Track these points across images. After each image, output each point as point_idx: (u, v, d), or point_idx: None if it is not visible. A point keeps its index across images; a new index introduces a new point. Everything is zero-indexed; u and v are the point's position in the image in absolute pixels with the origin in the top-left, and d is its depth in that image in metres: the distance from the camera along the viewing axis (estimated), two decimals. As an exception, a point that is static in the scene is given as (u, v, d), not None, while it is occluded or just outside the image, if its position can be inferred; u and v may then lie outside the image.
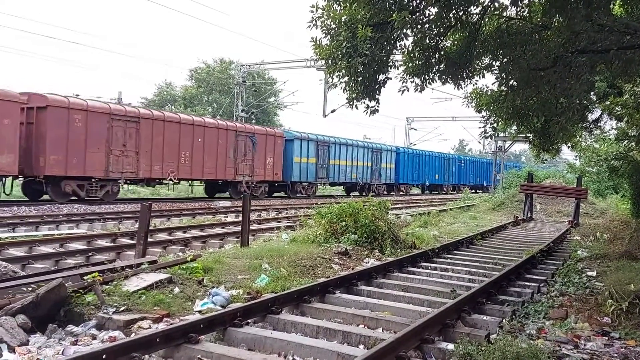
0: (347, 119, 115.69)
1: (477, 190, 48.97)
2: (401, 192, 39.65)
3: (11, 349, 4.15)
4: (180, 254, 9.83)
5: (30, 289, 5.01)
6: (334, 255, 8.68)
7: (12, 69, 74.65)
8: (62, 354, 4.10)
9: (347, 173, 33.39)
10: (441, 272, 7.96)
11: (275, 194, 29.59)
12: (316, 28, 6.87)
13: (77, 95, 21.02)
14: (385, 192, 37.29)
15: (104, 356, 3.48)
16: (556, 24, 7.52)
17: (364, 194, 32.53)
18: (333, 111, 32.21)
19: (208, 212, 18.58)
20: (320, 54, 7.14)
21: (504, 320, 5.37)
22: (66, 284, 5.00)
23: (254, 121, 46.44)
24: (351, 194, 33.43)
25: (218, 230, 13.46)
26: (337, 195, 30.07)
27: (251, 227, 11.51)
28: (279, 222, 16.13)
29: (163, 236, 11.85)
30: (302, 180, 29.67)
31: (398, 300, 6.15)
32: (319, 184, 31.76)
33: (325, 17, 6.79)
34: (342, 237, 9.62)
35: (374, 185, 35.60)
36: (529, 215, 19.05)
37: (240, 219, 16.10)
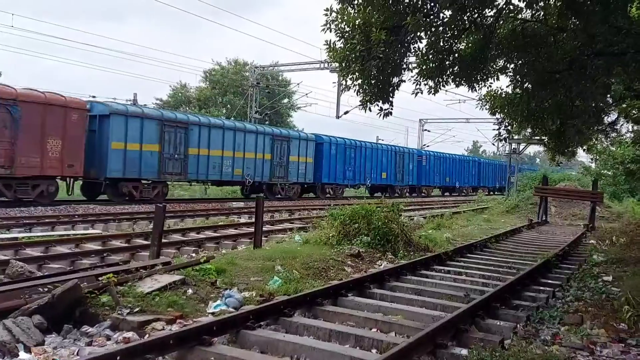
0: (360, 119, 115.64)
1: (493, 192, 49.03)
2: (423, 194, 40.23)
3: (27, 349, 4.21)
4: (194, 255, 9.90)
5: (46, 289, 5.08)
6: (347, 258, 8.67)
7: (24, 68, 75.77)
8: (77, 354, 4.15)
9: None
10: (454, 276, 7.92)
11: (304, 195, 30.54)
12: (330, 31, 6.89)
13: (94, 96, 21.45)
14: (407, 194, 38.13)
15: (117, 358, 3.51)
16: (572, 26, 7.46)
17: (387, 195, 33.97)
18: (346, 113, 32.34)
19: (221, 212, 18.67)
20: (334, 57, 7.16)
21: (518, 326, 5.32)
22: (81, 285, 5.06)
23: (267, 122, 46.67)
24: (374, 195, 34.28)
25: (231, 231, 13.52)
26: (360, 197, 30.39)
27: (264, 228, 11.54)
28: (291, 223, 16.15)
29: (177, 237, 11.93)
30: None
31: (411, 303, 6.13)
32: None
33: (339, 20, 6.81)
34: (355, 239, 9.60)
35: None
36: (544, 219, 18.86)
37: (253, 219, 16.23)
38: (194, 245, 11.01)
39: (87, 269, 7.39)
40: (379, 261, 8.99)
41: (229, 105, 50.03)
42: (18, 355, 4.13)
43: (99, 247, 10.14)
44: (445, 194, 45.32)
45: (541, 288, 7.24)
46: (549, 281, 7.77)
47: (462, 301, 6.20)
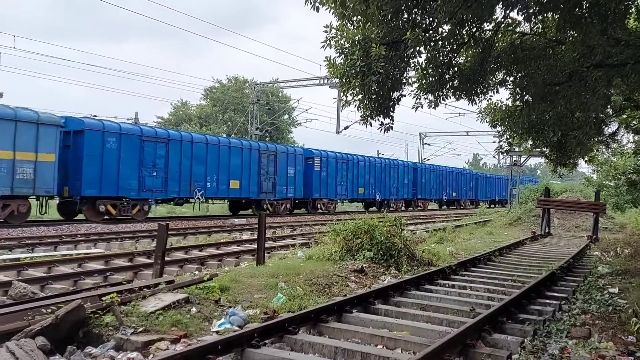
0: (360, 134, 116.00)
1: (495, 205, 49.83)
2: (419, 208, 39.83)
3: (31, 371, 4.17)
4: (197, 272, 9.85)
5: (49, 310, 5.04)
6: (350, 273, 8.62)
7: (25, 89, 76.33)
8: (81, 376, 4.11)
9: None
10: (459, 290, 7.86)
11: (296, 211, 29.93)
12: (330, 48, 6.94)
13: (95, 116, 21.53)
14: (402, 208, 37.59)
15: (123, 379, 3.47)
16: (571, 38, 7.51)
17: (382, 209, 33.27)
18: (346, 128, 32.42)
19: (223, 229, 18.65)
20: (334, 73, 7.20)
21: (525, 340, 5.27)
22: (85, 305, 5.03)
23: (267, 139, 46.85)
24: (369, 209, 33.82)
25: (234, 248, 13.49)
26: (353, 212, 30.28)
27: (266, 245, 11.50)
28: (293, 239, 16.11)
29: (179, 255, 11.90)
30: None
31: (416, 319, 6.08)
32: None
33: (339, 36, 6.87)
34: (358, 255, 9.56)
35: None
36: (547, 231, 18.79)
37: (255, 236, 16.19)
38: (197, 263, 10.97)
39: (90, 288, 7.37)
40: (383, 276, 8.93)
41: (229, 122, 50.26)
42: (21, 378, 4.09)
43: (102, 267, 10.10)
44: (443, 207, 45.27)
45: (547, 301, 7.19)
46: (555, 294, 7.71)
47: (468, 316, 6.15)
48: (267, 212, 25.88)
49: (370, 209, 34.11)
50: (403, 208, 37.70)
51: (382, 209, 33.32)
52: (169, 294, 5.92)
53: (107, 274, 9.39)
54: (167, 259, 9.60)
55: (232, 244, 14.37)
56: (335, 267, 8.80)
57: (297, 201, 29.11)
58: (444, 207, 45.61)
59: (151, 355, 4.51)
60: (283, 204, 27.52)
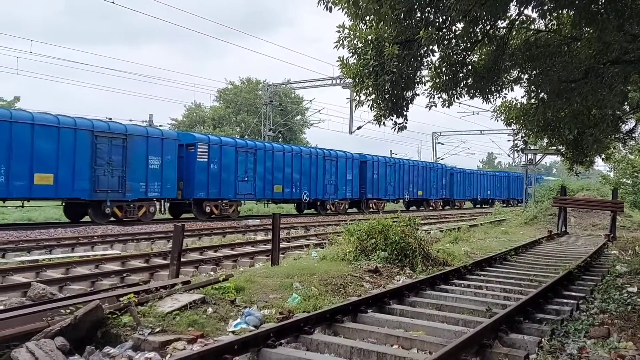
0: (373, 134, 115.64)
1: (516, 204, 49.95)
2: (456, 207, 43.91)
3: (51, 371, 4.22)
4: (212, 273, 9.92)
5: (68, 310, 5.10)
6: (365, 273, 8.61)
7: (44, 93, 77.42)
8: (100, 375, 4.16)
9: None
10: (475, 290, 7.81)
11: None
12: (343, 48, 6.93)
13: (110, 118, 21.99)
14: (440, 207, 41.16)
15: (141, 378, 3.51)
16: (586, 35, 7.42)
17: (422, 208, 38.07)
18: (359, 128, 32.43)
19: (238, 230, 18.73)
20: (347, 73, 7.19)
21: (543, 340, 5.22)
22: (103, 306, 5.09)
23: (280, 140, 46.94)
24: (409, 208, 36.99)
25: (248, 248, 13.55)
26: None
27: (280, 245, 11.54)
28: (307, 239, 16.13)
29: (195, 256, 11.98)
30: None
31: (432, 319, 6.05)
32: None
33: (352, 36, 6.85)
34: (372, 255, 9.54)
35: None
36: (563, 230, 18.57)
37: (269, 237, 16.25)
38: (212, 264, 11.04)
39: (107, 289, 7.45)
40: (397, 276, 8.90)
41: (242, 124, 50.49)
42: (42, 378, 4.15)
43: (119, 268, 10.21)
44: (477, 206, 49.05)
45: (564, 301, 7.10)
46: (572, 293, 7.62)
47: (485, 316, 6.11)
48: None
49: (411, 208, 37.66)
50: (441, 207, 40.96)
51: (422, 208, 37.50)
52: (185, 295, 5.96)
53: (124, 274, 9.49)
54: (183, 260, 9.68)
55: (247, 244, 14.44)
56: (350, 267, 8.79)
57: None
58: (477, 206, 47.80)
59: (168, 355, 4.56)
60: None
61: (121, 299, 5.52)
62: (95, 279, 9.06)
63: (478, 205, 49.05)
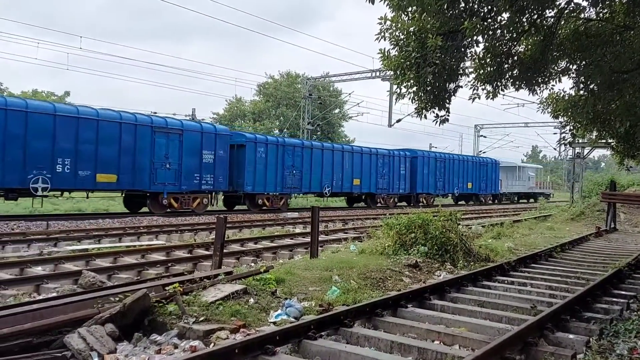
0: (412, 127, 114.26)
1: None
2: (504, 201, 44.26)
3: (100, 357, 4.40)
4: (253, 264, 10.08)
5: (117, 298, 5.29)
6: (404, 268, 8.55)
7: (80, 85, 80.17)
8: (148, 362, 4.30)
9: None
10: (519, 287, 7.62)
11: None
12: (384, 40, 6.87)
13: (155, 112, 22.73)
14: (490, 201, 41.09)
15: (187, 366, 3.61)
16: (641, 23, 7.08)
17: (471, 202, 38.37)
18: (399, 121, 32.15)
19: (277, 223, 18.93)
20: (388, 65, 7.13)
21: (591, 339, 5.05)
22: (150, 294, 5.25)
23: (319, 133, 47.02)
24: (459, 202, 37.60)
25: (287, 241, 13.68)
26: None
27: (319, 238, 11.58)
28: (345, 232, 16.15)
29: (236, 247, 12.19)
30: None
31: (474, 315, 5.95)
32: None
33: (394, 28, 6.78)
34: (412, 249, 9.46)
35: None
36: (612, 226, 17.86)
37: (307, 229, 16.33)
38: (253, 255, 11.20)
39: (154, 279, 7.69)
40: (438, 271, 8.80)
41: (281, 118, 50.83)
42: (92, 363, 4.33)
43: (163, 258, 10.50)
44: (522, 200, 48.38)
45: (614, 299, 6.85)
46: (622, 292, 7.34)
47: (529, 313, 5.96)
48: (379, 204, 30.83)
49: (460, 202, 37.96)
50: (490, 201, 40.93)
51: (471, 202, 37.88)
52: (227, 285, 6.08)
53: (169, 264, 9.76)
54: (224, 251, 9.86)
55: (286, 237, 14.58)
56: (389, 262, 8.75)
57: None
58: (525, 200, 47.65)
59: (212, 344, 4.66)
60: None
61: (167, 288, 5.68)
62: (141, 269, 9.36)
63: (524, 200, 48.63)
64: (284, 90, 51.59)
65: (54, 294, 7.11)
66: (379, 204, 30.85)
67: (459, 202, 37.81)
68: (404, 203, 33.43)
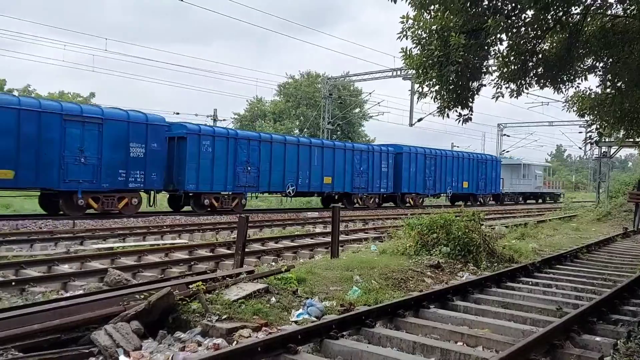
0: (434, 126, 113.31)
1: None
2: (505, 203, 40.44)
3: (126, 354, 4.47)
4: (274, 264, 10.12)
5: (142, 296, 5.37)
6: (426, 268, 8.49)
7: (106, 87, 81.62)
8: (172, 359, 4.36)
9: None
10: (544, 288, 7.50)
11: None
12: (406, 39, 6.83)
13: (177, 113, 23.01)
14: (491, 202, 37.89)
15: (211, 363, 3.65)
16: (671, 19, 6.91)
17: (469, 203, 33.81)
18: (420, 120, 31.94)
19: (297, 222, 18.98)
20: (410, 64, 7.09)
21: (618, 342, 4.94)
22: (174, 292, 5.32)
23: (339, 132, 46.97)
24: (455, 203, 33.41)
25: (308, 240, 13.71)
26: (436, 206, 29.98)
27: (339, 238, 11.58)
28: (366, 232, 16.10)
29: (257, 246, 12.26)
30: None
31: (498, 317, 5.88)
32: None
33: (416, 27, 6.74)
34: (434, 250, 9.38)
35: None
36: (640, 227, 17.45)
37: (327, 229, 16.35)
38: (273, 255, 11.25)
39: (177, 277, 7.78)
40: (460, 272, 8.71)
41: (302, 117, 50.93)
42: (118, 359, 4.40)
43: (186, 256, 10.62)
44: (529, 201, 44.96)
45: (643, 302, 6.69)
46: (651, 295, 7.16)
47: (554, 315, 5.87)
48: (357, 205, 28.01)
49: (456, 203, 33.59)
50: (491, 202, 38.18)
51: (469, 203, 33.76)
52: (249, 284, 6.13)
53: (192, 263, 9.87)
54: (246, 250, 9.94)
55: (306, 236, 14.61)
56: (410, 262, 8.70)
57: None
58: (535, 201, 45.37)
59: (235, 342, 4.70)
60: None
61: (190, 286, 5.74)
62: (165, 267, 9.48)
63: (531, 201, 46.08)
64: (304, 90, 51.71)
65: (81, 292, 7.27)
66: (356, 205, 27.96)
67: (456, 203, 33.24)
68: (391, 204, 30.94)
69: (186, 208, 21.59)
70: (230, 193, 22.06)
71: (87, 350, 4.45)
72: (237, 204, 22.33)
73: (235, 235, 8.53)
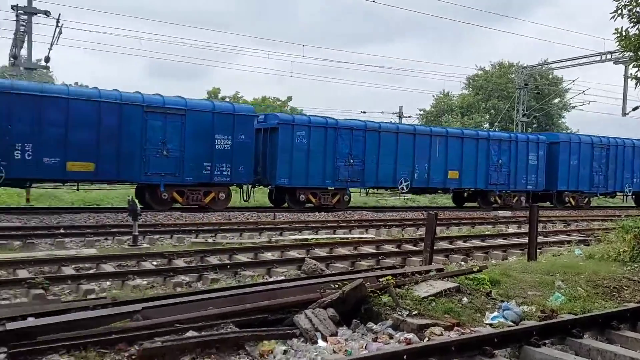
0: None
1: None
2: None
3: (323, 338, 4.77)
4: (462, 263, 9.84)
5: (336, 285, 5.68)
6: (646, 278, 7.35)
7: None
8: (365, 348, 4.52)
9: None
10: None
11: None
12: (621, 17, 6.00)
13: (364, 112, 23.87)
14: None
15: (404, 357, 3.71)
16: None
17: None
18: (635, 109, 27.79)
19: (487, 221, 18.15)
20: (626, 45, 6.23)
21: None
22: (365, 284, 5.51)
23: (535, 125, 43.41)
24: None
25: (500, 241, 13.00)
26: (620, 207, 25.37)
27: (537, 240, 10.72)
28: (568, 235, 14.63)
29: (444, 244, 12.05)
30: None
31: None
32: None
33: (634, 4, 5.87)
34: (656, 257, 8.08)
35: None
36: None
37: (522, 229, 15.26)
38: (462, 254, 10.94)
39: (367, 270, 8.07)
40: (694, 285, 7.34)
41: (492, 110, 48.33)
42: (317, 343, 4.72)
43: (374, 251, 10.95)
44: None
45: None
46: None
47: None
48: (495, 205, 24.49)
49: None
50: None
51: None
52: (439, 282, 6.04)
53: (379, 257, 10.13)
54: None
55: (498, 236, 13.87)
56: (625, 269, 7.68)
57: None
58: None
59: (426, 339, 4.68)
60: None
61: (380, 279, 5.88)
62: (354, 260, 9.91)
63: None
64: (496, 81, 48.93)
65: (282, 277, 8.01)
66: (494, 205, 24.15)
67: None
68: (548, 203, 26.16)
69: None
70: (330, 188, 20.38)
71: (290, 332, 4.88)
72: (339, 201, 20.58)
73: (423, 233, 8.49)
